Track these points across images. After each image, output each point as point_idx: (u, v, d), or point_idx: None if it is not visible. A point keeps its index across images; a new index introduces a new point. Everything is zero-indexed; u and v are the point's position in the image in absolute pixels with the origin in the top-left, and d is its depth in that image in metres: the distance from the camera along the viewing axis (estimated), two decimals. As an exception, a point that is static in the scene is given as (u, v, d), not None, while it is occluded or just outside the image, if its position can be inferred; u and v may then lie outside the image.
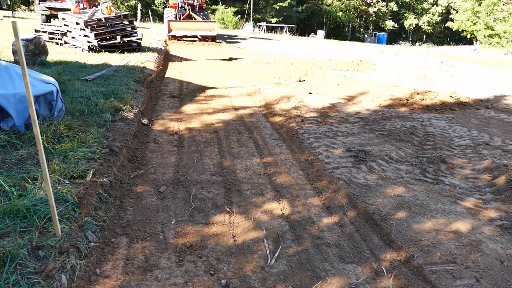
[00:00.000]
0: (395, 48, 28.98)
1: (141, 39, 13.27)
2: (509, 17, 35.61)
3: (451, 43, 43.19)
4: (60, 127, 4.32)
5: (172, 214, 3.31)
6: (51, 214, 2.49)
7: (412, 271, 2.68)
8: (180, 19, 19.99)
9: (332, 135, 5.53)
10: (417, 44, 43.24)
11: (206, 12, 21.74)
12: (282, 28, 38.13)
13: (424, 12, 48.08)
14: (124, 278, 2.46)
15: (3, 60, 5.00)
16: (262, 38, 27.06)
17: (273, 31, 38.73)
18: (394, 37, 47.73)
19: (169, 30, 18.56)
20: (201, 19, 20.20)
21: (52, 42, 13.00)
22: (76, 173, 3.39)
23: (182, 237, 2.97)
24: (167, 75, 10.43)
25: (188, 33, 18.84)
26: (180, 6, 20.40)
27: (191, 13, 20.20)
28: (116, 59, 10.49)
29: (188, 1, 20.56)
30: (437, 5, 46.67)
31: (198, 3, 20.97)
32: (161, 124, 5.89)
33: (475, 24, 38.39)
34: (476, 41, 39.38)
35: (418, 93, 8.34)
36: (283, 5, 42.72)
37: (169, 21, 18.62)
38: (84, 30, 11.72)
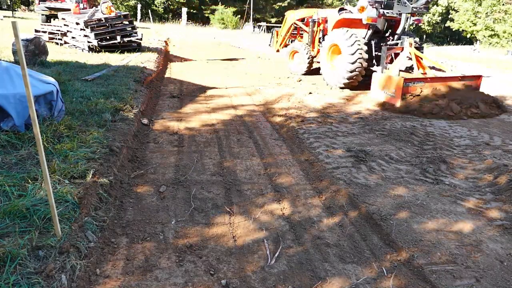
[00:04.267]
0: (395, 48, 28.97)
1: (141, 39, 13.27)
2: (508, 17, 35.59)
3: (451, 43, 43.10)
4: (60, 127, 4.32)
5: (172, 214, 3.31)
6: (51, 214, 2.49)
7: (412, 271, 2.68)
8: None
9: (332, 135, 5.53)
10: (417, 44, 43.16)
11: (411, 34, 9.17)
12: (282, 28, 38.08)
13: (424, 12, 48.06)
14: (124, 278, 2.46)
15: (3, 60, 4.99)
16: None
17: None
18: (394, 37, 47.66)
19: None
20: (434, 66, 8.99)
21: (52, 42, 13.00)
22: (76, 173, 3.38)
23: (182, 237, 2.97)
24: (167, 75, 10.43)
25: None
26: (382, 24, 8.85)
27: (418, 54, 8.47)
28: (116, 59, 10.49)
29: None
30: (437, 5, 46.62)
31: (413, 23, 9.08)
32: (161, 124, 5.89)
33: (475, 24, 38.37)
34: (476, 41, 39.35)
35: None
36: (283, 5, 42.71)
37: (406, 80, 7.16)
38: (84, 30, 11.72)
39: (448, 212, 3.46)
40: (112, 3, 15.07)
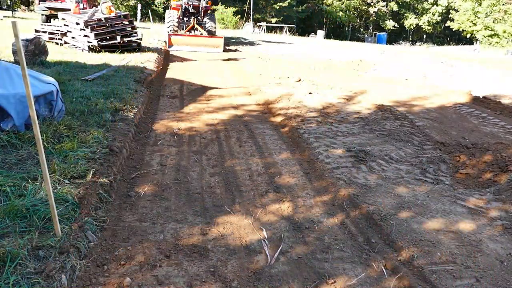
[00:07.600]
0: (395, 48, 29.00)
1: (141, 39, 13.26)
2: (508, 17, 35.59)
3: (451, 43, 43.14)
4: (60, 127, 4.32)
5: (172, 214, 3.31)
6: (51, 214, 2.49)
7: (412, 271, 2.68)
8: (183, 30, 17.58)
9: (332, 135, 5.53)
10: (417, 44, 43.18)
11: (213, 16, 18.89)
12: (282, 28, 38.13)
13: (424, 12, 48.03)
14: (124, 278, 2.46)
15: (3, 60, 5.00)
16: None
17: (273, 31, 38.73)
18: (394, 37, 47.68)
19: (170, 45, 15.90)
20: (205, 33, 17.63)
21: (52, 42, 12.98)
22: (76, 173, 3.39)
23: (182, 237, 2.97)
24: (167, 75, 10.42)
25: (191, 48, 16.30)
26: (183, 8, 17.47)
27: (195, 25, 17.59)
28: (116, 59, 10.49)
29: (193, 3, 17.58)
30: (437, 5, 46.60)
31: (204, 6, 17.90)
32: (161, 124, 5.89)
33: (474, 24, 38.37)
34: (476, 41, 39.36)
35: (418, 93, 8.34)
36: (283, 5, 42.66)
37: (170, 35, 16.03)
38: (84, 30, 11.71)
39: (448, 212, 3.46)
40: (112, 3, 15.10)
